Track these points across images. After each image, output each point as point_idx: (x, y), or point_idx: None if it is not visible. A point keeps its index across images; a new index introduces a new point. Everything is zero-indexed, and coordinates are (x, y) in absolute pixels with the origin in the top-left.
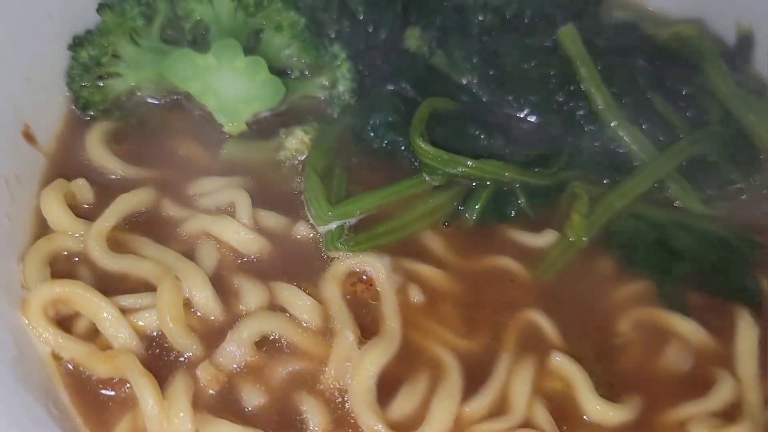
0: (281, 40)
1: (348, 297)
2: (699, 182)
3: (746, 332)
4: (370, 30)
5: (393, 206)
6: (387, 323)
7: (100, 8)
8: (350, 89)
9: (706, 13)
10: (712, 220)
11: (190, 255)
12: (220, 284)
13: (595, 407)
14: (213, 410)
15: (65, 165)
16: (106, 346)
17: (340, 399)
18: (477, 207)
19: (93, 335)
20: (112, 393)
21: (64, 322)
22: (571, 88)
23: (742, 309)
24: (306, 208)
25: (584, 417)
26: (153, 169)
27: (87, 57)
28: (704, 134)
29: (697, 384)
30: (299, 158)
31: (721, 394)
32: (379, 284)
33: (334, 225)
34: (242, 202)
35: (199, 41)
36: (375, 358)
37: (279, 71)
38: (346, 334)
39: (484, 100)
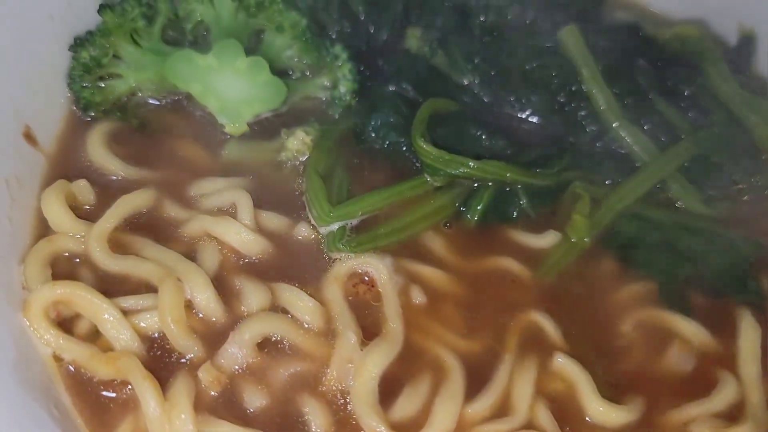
0: (282, 40)
1: (350, 298)
2: (701, 183)
3: (748, 333)
4: (371, 30)
5: (394, 207)
6: (389, 324)
7: (101, 9)
8: (351, 90)
9: (707, 13)
10: (714, 221)
11: (191, 256)
12: (221, 285)
13: (597, 408)
14: (215, 412)
15: (66, 166)
16: (107, 348)
17: (342, 401)
18: (479, 208)
19: (94, 337)
20: (114, 395)
21: (65, 324)
22: (573, 88)
23: (744, 310)
24: (307, 208)
25: (587, 418)
26: (154, 170)
27: (88, 58)
28: (706, 135)
29: (699, 385)
30: (301, 159)
31: (724, 395)
32: (380, 285)
33: (335, 226)
34: (244, 203)
35: (200, 42)
36: (377, 360)
37: (280, 72)
38: (348, 335)
39: (485, 100)
